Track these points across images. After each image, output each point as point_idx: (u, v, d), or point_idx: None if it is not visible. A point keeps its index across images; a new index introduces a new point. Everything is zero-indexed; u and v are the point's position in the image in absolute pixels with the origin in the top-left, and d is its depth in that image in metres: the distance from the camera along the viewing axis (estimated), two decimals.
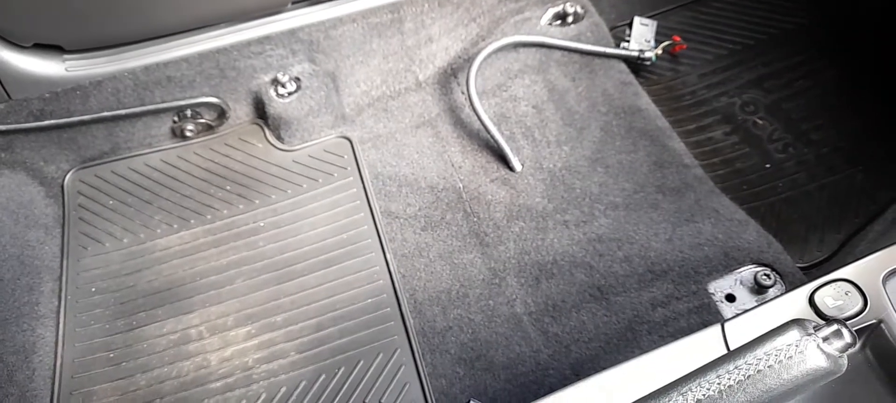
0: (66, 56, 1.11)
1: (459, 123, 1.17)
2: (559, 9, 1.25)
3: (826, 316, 0.62)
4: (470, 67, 1.16)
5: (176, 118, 1.18)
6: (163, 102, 1.16)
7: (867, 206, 1.03)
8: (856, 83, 1.20)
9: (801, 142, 1.14)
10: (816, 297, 0.63)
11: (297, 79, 1.19)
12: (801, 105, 1.18)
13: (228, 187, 1.14)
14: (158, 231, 1.09)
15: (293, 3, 1.17)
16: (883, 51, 1.24)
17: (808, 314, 0.64)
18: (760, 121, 1.18)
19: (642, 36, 1.23)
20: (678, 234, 0.97)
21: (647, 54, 1.21)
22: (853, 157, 1.10)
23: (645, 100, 1.14)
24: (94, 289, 1.04)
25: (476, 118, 1.13)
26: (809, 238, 1.01)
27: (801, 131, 1.15)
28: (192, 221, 1.10)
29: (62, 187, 1.15)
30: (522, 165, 1.10)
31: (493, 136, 1.11)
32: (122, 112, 1.15)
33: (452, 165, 1.12)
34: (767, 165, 1.12)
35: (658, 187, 1.03)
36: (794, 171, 1.10)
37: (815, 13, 1.31)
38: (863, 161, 1.10)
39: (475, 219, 1.05)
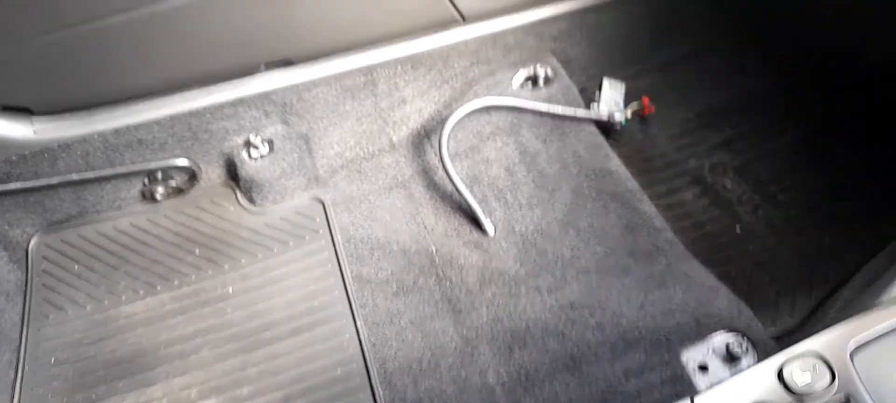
0: (35, 118, 1.10)
1: (433, 185, 1.17)
2: (530, 72, 1.27)
3: (794, 391, 0.62)
4: (443, 129, 1.16)
5: (146, 181, 1.17)
6: (133, 165, 1.15)
7: (837, 269, 1.04)
8: (821, 145, 1.22)
9: (770, 204, 1.15)
10: (785, 372, 0.63)
11: (270, 141, 1.19)
12: (769, 167, 1.20)
13: (198, 251, 1.12)
14: (123, 297, 1.06)
15: (266, 66, 1.17)
16: (847, 114, 1.27)
17: (778, 390, 0.63)
18: (729, 184, 1.19)
19: (611, 98, 1.25)
20: (650, 300, 0.97)
21: (617, 117, 1.22)
22: (821, 219, 1.12)
23: (615, 163, 1.15)
24: (53, 360, 1.01)
25: (449, 180, 1.13)
26: (780, 302, 1.01)
27: (770, 193, 1.17)
28: (159, 287, 1.07)
29: (26, 252, 1.12)
30: (495, 228, 1.10)
31: (465, 199, 1.11)
32: (91, 175, 1.13)
33: (425, 228, 1.12)
34: (737, 228, 1.13)
35: (629, 251, 1.03)
36: (764, 234, 1.11)
37: (780, 77, 1.34)
38: (831, 222, 1.11)
39: (448, 284, 1.04)
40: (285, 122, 1.21)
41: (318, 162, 1.21)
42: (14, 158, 1.09)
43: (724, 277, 1.01)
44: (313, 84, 1.21)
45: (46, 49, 0.99)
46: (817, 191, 1.16)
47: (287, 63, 1.18)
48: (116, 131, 1.12)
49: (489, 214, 1.11)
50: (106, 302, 1.06)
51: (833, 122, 1.26)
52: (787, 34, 1.38)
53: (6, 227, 1.13)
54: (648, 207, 1.09)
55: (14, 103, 1.07)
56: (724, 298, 0.96)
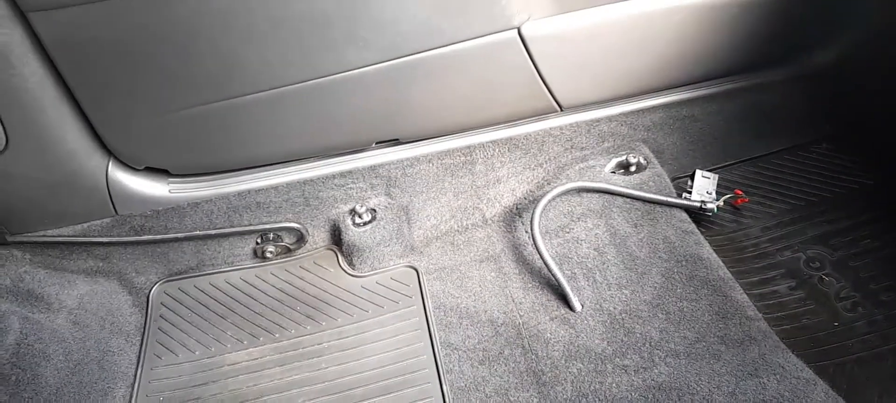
0: (171, 179, 1.24)
1: (522, 260, 1.21)
2: (622, 159, 1.31)
3: None
4: (535, 208, 1.22)
5: (259, 240, 1.28)
6: (249, 225, 1.26)
7: None
8: None
9: (871, 302, 1.11)
10: None
11: (373, 211, 1.28)
12: (869, 264, 1.17)
13: (299, 308, 1.20)
14: (229, 345, 1.15)
15: (377, 143, 1.28)
16: None
17: None
18: (827, 278, 1.16)
19: (704, 188, 1.27)
20: (741, 389, 0.95)
21: (710, 205, 1.24)
22: None
23: (707, 250, 1.16)
24: (162, 398, 1.09)
25: (538, 256, 1.17)
26: None
27: (871, 291, 1.13)
28: (262, 338, 1.15)
29: (148, 298, 1.24)
30: (582, 306, 1.12)
31: (554, 275, 1.14)
32: (213, 232, 1.25)
33: (513, 301, 1.15)
34: (836, 323, 1.09)
35: (720, 338, 1.02)
36: (866, 332, 1.07)
37: (878, 174, 1.32)
38: None
39: (533, 357, 1.06)
40: (389, 194, 1.30)
41: (415, 232, 1.29)
42: (150, 213, 1.23)
43: (822, 372, 0.98)
44: (417, 160, 1.30)
45: (186, 120, 1.13)
46: None
47: (395, 142, 1.29)
48: (238, 194, 1.25)
49: (577, 292, 1.13)
50: (213, 349, 1.15)
51: None
52: (889, 135, 1.37)
53: (133, 274, 1.25)
54: (741, 295, 1.08)
55: (156, 165, 1.22)
56: (821, 392, 0.93)
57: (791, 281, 1.17)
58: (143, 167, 1.21)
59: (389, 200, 1.30)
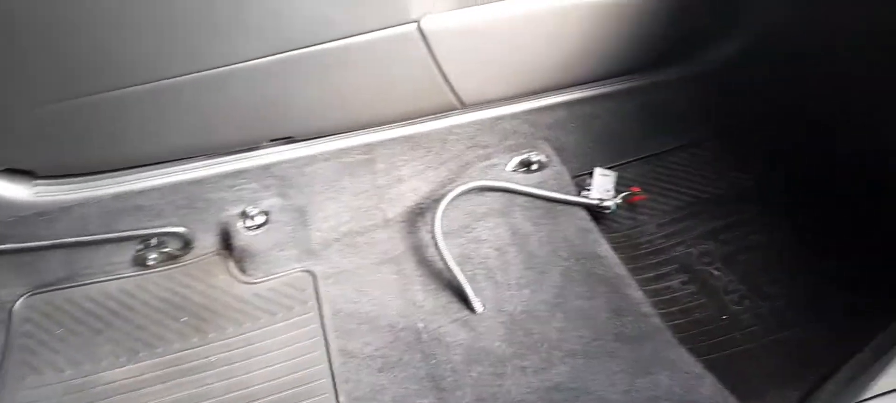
0: (36, 181, 1.12)
1: (424, 262, 1.18)
2: (525, 157, 1.31)
3: None
4: (437, 208, 1.19)
5: (140, 246, 1.18)
6: (128, 230, 1.16)
7: (823, 362, 1.03)
8: (808, 242, 1.24)
9: (757, 296, 1.16)
10: None
11: (266, 213, 1.21)
12: (756, 258, 1.22)
13: (184, 319, 1.12)
14: (104, 363, 1.05)
15: (269, 141, 1.21)
16: (833, 212, 1.29)
17: None
18: (716, 273, 1.20)
19: (603, 186, 1.28)
20: (636, 387, 0.96)
21: (607, 203, 1.25)
22: (807, 312, 1.12)
23: (604, 248, 1.17)
24: None
25: (440, 258, 1.15)
26: (767, 393, 1.00)
27: (757, 284, 1.18)
28: (142, 354, 1.06)
29: (10, 313, 1.11)
30: (483, 307, 1.10)
31: (455, 277, 1.12)
32: (86, 238, 1.14)
33: (414, 304, 1.12)
34: (724, 316, 1.13)
35: (616, 336, 1.03)
36: (751, 324, 1.11)
37: (762, 171, 1.38)
38: (817, 316, 1.11)
39: (433, 362, 1.03)
40: (283, 195, 1.24)
41: (312, 235, 1.23)
42: (12, 219, 1.11)
43: (712, 365, 1.00)
44: (313, 159, 1.24)
45: (53, 116, 1.03)
46: (803, 286, 1.17)
47: (290, 139, 1.22)
48: (115, 197, 1.15)
49: (479, 293, 1.11)
50: (86, 367, 1.05)
51: (819, 222, 1.29)
52: (778, 133, 1.44)
53: None
54: (636, 292, 1.09)
55: (18, 166, 1.10)
56: (709, 387, 0.95)
57: (684, 276, 1.20)
58: (3, 168, 1.09)
59: (284, 201, 1.23)
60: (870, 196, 1.28)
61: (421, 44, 1.13)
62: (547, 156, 1.32)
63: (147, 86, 1.03)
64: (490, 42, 1.20)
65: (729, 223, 1.29)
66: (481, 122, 1.31)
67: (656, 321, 1.05)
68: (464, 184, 1.24)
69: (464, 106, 1.28)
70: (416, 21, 1.11)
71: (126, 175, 1.16)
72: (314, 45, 1.07)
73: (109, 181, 1.15)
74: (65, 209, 1.12)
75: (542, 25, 1.20)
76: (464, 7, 1.15)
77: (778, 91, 1.42)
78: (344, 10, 1.04)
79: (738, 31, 1.38)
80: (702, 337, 1.10)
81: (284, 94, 1.13)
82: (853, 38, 1.23)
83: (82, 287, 1.15)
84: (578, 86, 1.34)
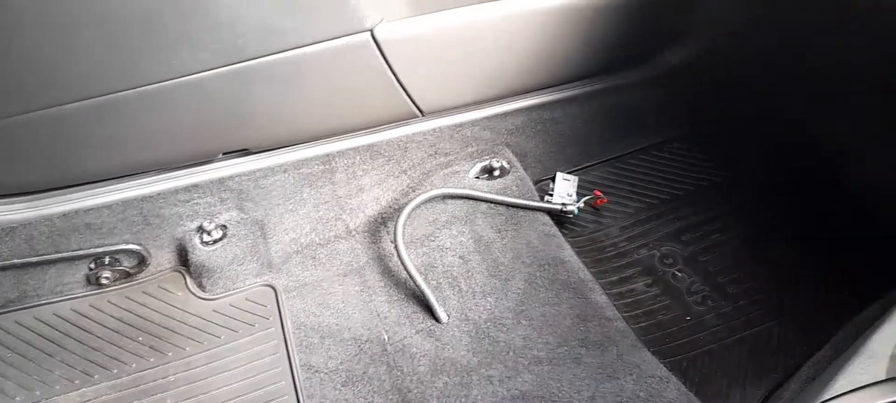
0: None
1: (387, 272, 1.17)
2: (486, 163, 1.30)
3: None
4: (399, 217, 1.17)
5: (92, 265, 1.14)
6: (80, 249, 1.12)
7: (785, 361, 1.05)
8: (768, 238, 1.26)
9: (719, 295, 1.17)
10: None
11: (224, 227, 1.18)
12: (717, 258, 1.23)
13: (141, 338, 1.08)
14: (57, 387, 1.01)
15: (224, 154, 1.18)
16: (792, 209, 1.32)
17: None
18: (680, 274, 1.21)
19: (565, 190, 1.28)
20: (601, 391, 0.95)
21: (570, 207, 1.25)
22: (769, 310, 1.14)
23: (568, 252, 1.17)
24: None
25: (404, 268, 1.13)
26: (731, 393, 1.01)
27: (719, 284, 1.19)
28: (97, 376, 1.03)
29: None
30: (448, 316, 1.09)
31: (419, 286, 1.10)
32: (35, 259, 1.10)
33: (378, 315, 1.10)
34: (688, 317, 1.14)
35: (581, 341, 1.03)
36: (715, 325, 1.12)
37: (723, 171, 1.40)
38: (778, 314, 1.13)
39: (398, 373, 1.02)
40: (241, 209, 1.21)
41: (272, 248, 1.20)
42: None
43: (676, 367, 1.01)
44: (271, 170, 1.22)
45: None
46: (764, 284, 1.18)
47: (245, 152, 1.19)
48: (64, 215, 1.10)
49: (443, 302, 1.10)
50: (38, 393, 1.01)
51: (779, 219, 1.30)
52: (737, 133, 1.45)
53: None
54: (600, 297, 1.09)
55: None
56: (674, 389, 0.95)
57: (647, 278, 1.21)
58: None
59: (242, 215, 1.20)
60: (826, 193, 1.31)
61: (376, 52, 1.11)
62: (509, 162, 1.31)
63: (91, 101, 0.99)
64: (447, 49, 1.19)
65: (691, 223, 1.30)
66: (442, 130, 1.30)
67: (621, 325, 1.05)
68: (425, 192, 1.22)
69: (423, 114, 1.27)
70: (369, 30, 1.09)
71: (74, 192, 1.12)
72: (265, 55, 1.04)
73: (57, 199, 1.11)
74: (9, 230, 1.08)
75: (499, 32, 1.20)
76: (418, 15, 1.13)
77: (735, 92, 1.44)
78: (294, 20, 1.02)
79: (693, 35, 1.39)
80: (666, 339, 1.11)
81: (238, 106, 1.10)
82: (807, 41, 1.25)
83: (32, 309, 1.11)
84: (539, 92, 1.34)
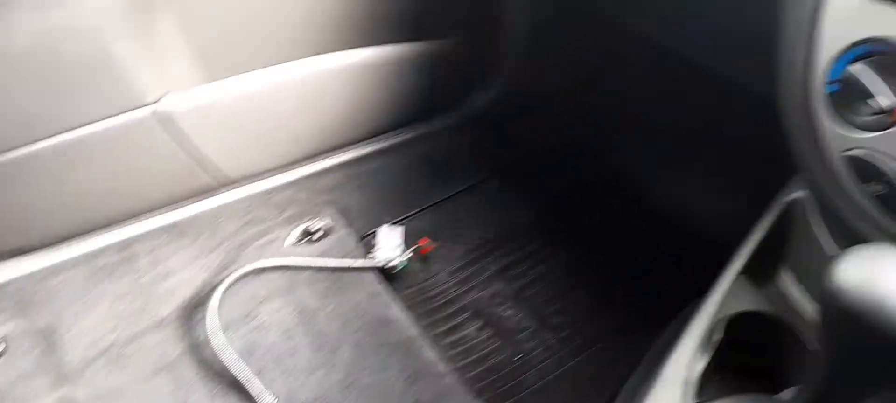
0: None
1: (204, 364, 1.07)
2: (305, 226, 1.25)
3: None
4: (210, 300, 1.08)
5: None
6: None
7: (607, 384, 1.10)
8: (585, 264, 1.32)
9: (546, 328, 1.21)
10: None
11: (3, 342, 1.02)
12: (540, 291, 1.27)
13: None
14: None
15: None
16: (604, 234, 1.39)
17: None
18: (508, 312, 1.24)
19: (390, 243, 1.26)
20: None
21: (396, 260, 1.23)
22: (590, 338, 1.19)
23: (395, 310, 1.14)
24: None
25: (221, 356, 1.04)
26: None
27: (544, 316, 1.23)
28: None
29: None
30: (276, 401, 1.02)
31: (240, 375, 1.02)
32: None
33: None
34: (517, 357, 1.16)
35: None
36: (542, 360, 1.15)
37: (543, 205, 1.45)
38: (597, 341, 1.18)
39: None
40: (23, 317, 1.05)
41: (67, 356, 1.06)
42: None
43: None
44: (58, 268, 1.08)
45: None
46: (584, 310, 1.24)
47: (19, 251, 1.05)
48: None
49: (269, 386, 1.03)
50: None
51: (596, 245, 1.37)
52: (549, 168, 1.52)
53: None
54: (430, 353, 1.08)
55: None
56: None
57: (478, 321, 1.22)
58: None
59: (26, 323, 1.05)
60: (631, 218, 1.40)
61: (163, 127, 1.03)
62: (331, 220, 1.27)
63: None
64: (249, 113, 1.13)
65: (516, 259, 1.34)
66: (253, 197, 1.23)
67: (451, 379, 1.04)
68: (240, 268, 1.15)
69: (232, 182, 1.19)
70: (152, 104, 1.00)
71: None
72: (32, 142, 0.93)
73: None
74: None
75: (304, 91, 1.16)
76: (210, 82, 1.06)
77: (541, 130, 1.51)
78: (61, 102, 0.91)
79: (498, 79, 1.43)
80: (498, 383, 1.12)
81: (9, 200, 0.97)
82: (603, 77, 1.33)
83: None
84: (354, 145, 1.31)
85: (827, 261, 0.58)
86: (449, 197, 1.44)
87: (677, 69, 1.17)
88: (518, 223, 1.41)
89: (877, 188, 0.57)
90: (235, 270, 1.14)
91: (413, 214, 1.38)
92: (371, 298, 1.17)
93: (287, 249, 1.22)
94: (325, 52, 1.16)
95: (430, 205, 1.42)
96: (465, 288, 1.28)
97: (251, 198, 1.23)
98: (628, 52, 1.28)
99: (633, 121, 1.33)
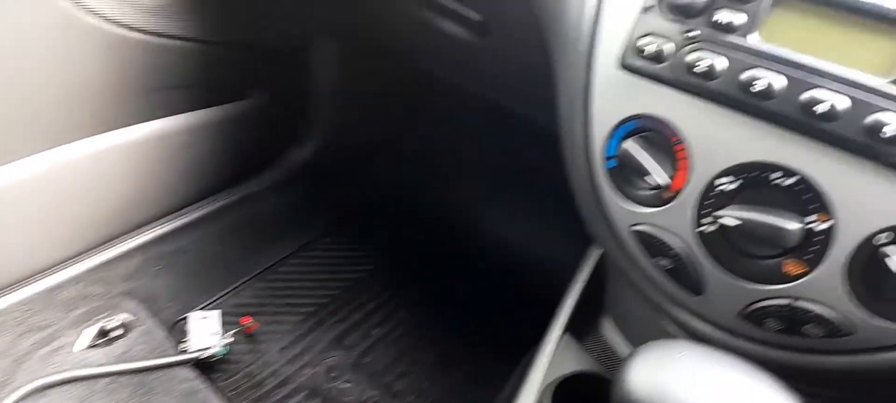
0: None
1: None
2: (100, 326, 1.08)
3: None
4: None
5: None
6: None
7: None
8: (425, 319, 1.27)
9: (389, 396, 1.13)
10: None
11: None
12: (380, 355, 1.19)
13: None
14: None
15: None
16: (441, 284, 1.34)
17: None
18: (347, 385, 1.14)
19: (205, 330, 1.12)
20: None
21: (214, 349, 1.10)
22: (436, 400, 1.13)
23: None
24: None
25: None
26: None
27: (387, 384, 1.15)
28: None
29: None
30: None
31: None
32: None
33: None
34: None
35: None
36: None
37: (377, 260, 1.38)
38: (444, 400, 1.13)
39: None
40: None
41: None
42: None
43: None
44: None
45: None
46: (426, 370, 1.17)
47: None
48: None
49: None
50: None
51: (432, 297, 1.32)
52: (381, 220, 1.45)
53: None
54: None
55: None
56: None
57: (316, 401, 1.12)
58: None
59: None
60: (465, 262, 1.36)
61: None
62: (131, 314, 1.11)
63: None
64: (21, 203, 0.95)
65: (353, 322, 1.25)
66: (34, 299, 1.04)
67: None
68: (18, 388, 0.96)
69: (8, 285, 1.01)
70: None
71: None
72: None
73: None
74: None
75: (85, 173, 1.00)
76: None
77: (366, 183, 1.44)
78: None
79: (315, 134, 1.34)
80: None
81: None
82: (419, 123, 1.29)
83: None
84: (154, 224, 1.16)
85: (641, 310, 0.56)
86: (275, 263, 1.32)
87: (493, 112, 1.15)
88: (353, 280, 1.32)
89: (665, 262, 0.55)
90: (12, 392, 0.95)
91: (234, 289, 1.25)
92: (186, 398, 1.03)
93: (78, 356, 1.04)
94: (109, 130, 1.02)
95: (254, 276, 1.29)
96: (298, 365, 1.17)
97: (30, 300, 1.04)
98: (445, 100, 1.25)
99: (459, 166, 1.30)
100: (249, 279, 1.28)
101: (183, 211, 1.19)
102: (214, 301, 1.22)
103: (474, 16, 0.83)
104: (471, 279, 1.33)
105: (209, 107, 1.10)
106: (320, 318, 1.25)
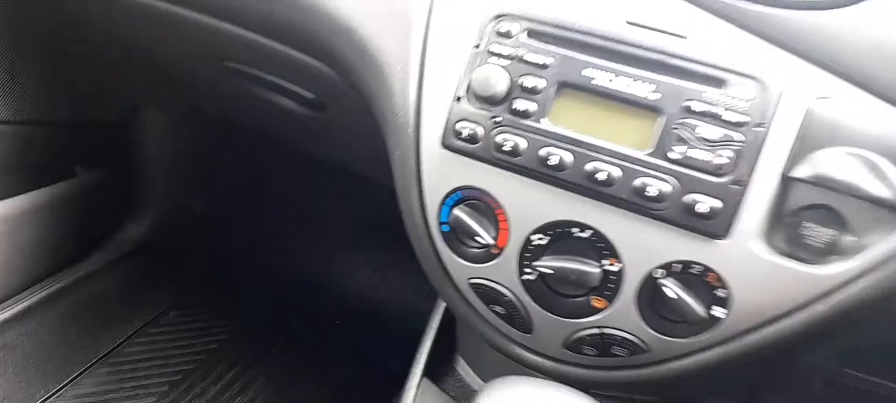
0: None
1: None
2: None
3: None
4: None
5: None
6: None
7: None
8: (287, 381, 1.26)
9: None
10: None
11: None
12: None
13: None
14: None
15: None
16: (301, 341, 1.34)
17: None
18: None
19: None
20: None
21: None
22: None
23: None
24: None
25: None
26: None
27: None
28: None
29: None
30: None
31: None
32: None
33: None
34: None
35: None
36: None
37: (231, 325, 1.35)
38: None
39: None
40: None
41: None
42: None
43: None
44: None
45: None
46: None
47: None
48: None
49: None
50: None
51: (293, 355, 1.32)
52: (229, 284, 1.43)
53: None
54: None
55: None
56: None
57: None
58: None
59: None
60: (328, 316, 1.38)
61: None
62: None
63: None
64: None
65: (212, 396, 1.21)
66: None
67: None
68: None
69: None
70: None
71: None
72: None
73: None
74: None
75: None
76: None
77: (216, 245, 1.42)
78: None
79: (147, 208, 1.30)
80: None
81: None
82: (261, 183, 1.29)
83: None
84: None
85: (485, 348, 0.63)
86: (119, 344, 1.24)
87: (340, 170, 1.19)
88: (207, 352, 1.28)
89: (498, 309, 0.63)
90: None
91: (73, 380, 1.16)
92: None
93: None
94: None
95: (97, 361, 1.20)
96: None
97: None
98: (290, 164, 1.27)
99: (307, 220, 1.33)
100: (91, 366, 1.19)
101: (8, 302, 1.09)
102: (52, 396, 1.12)
103: (307, 94, 0.88)
104: (330, 334, 1.35)
105: (32, 190, 1.03)
106: (175, 397, 1.19)
